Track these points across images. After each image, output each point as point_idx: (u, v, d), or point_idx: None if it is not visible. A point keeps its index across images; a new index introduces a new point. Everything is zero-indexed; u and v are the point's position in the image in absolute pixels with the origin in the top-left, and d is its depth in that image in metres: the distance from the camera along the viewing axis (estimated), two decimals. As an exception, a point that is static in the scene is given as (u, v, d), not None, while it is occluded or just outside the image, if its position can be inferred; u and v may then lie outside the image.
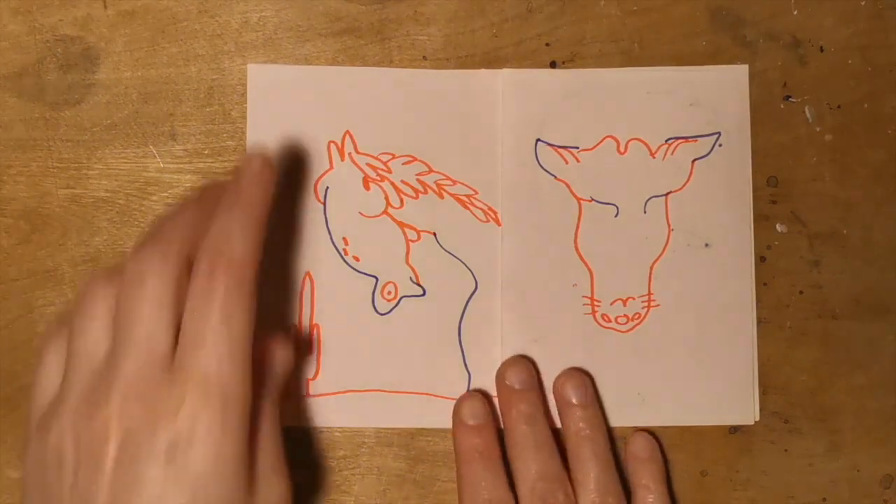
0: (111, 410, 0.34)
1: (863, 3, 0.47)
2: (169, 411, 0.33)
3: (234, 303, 0.35)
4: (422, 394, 0.45)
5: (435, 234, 0.45)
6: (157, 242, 0.36)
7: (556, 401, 0.45)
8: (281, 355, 0.40)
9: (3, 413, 0.44)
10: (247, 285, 0.36)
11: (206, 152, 0.45)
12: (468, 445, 0.43)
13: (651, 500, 0.44)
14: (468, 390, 0.45)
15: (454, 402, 0.45)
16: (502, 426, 0.45)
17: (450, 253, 0.45)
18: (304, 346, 0.45)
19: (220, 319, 0.34)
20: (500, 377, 0.45)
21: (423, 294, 0.45)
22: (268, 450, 0.37)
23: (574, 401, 0.44)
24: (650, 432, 0.45)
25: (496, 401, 0.45)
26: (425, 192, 0.45)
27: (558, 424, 0.45)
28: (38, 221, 0.45)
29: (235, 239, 0.36)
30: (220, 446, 0.34)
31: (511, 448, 0.44)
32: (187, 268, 0.36)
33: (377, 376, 0.45)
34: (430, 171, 0.45)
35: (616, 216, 0.46)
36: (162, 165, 0.45)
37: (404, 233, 0.45)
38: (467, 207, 0.46)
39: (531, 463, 0.43)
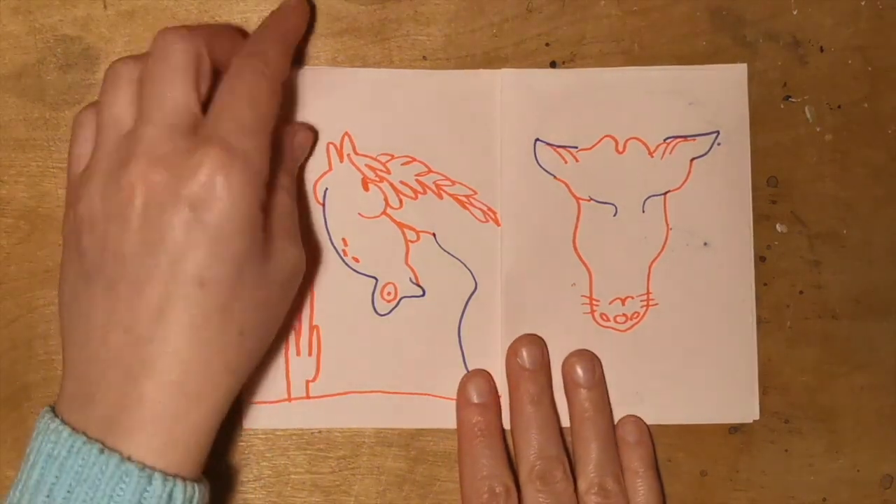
0: (136, 170, 0.37)
1: (863, 3, 0.47)
2: (190, 171, 0.36)
3: (262, 89, 0.38)
4: (422, 394, 0.45)
5: (434, 235, 0.45)
6: (184, 27, 0.39)
7: (564, 380, 0.45)
8: (302, 135, 0.44)
9: (3, 413, 0.44)
10: (276, 83, 0.39)
11: (205, 152, 0.45)
12: (471, 423, 0.44)
13: (640, 483, 0.44)
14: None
15: (454, 402, 0.45)
16: (508, 401, 0.45)
17: (449, 253, 0.45)
18: (303, 348, 0.45)
19: (248, 98, 0.38)
20: (511, 353, 0.45)
21: (423, 294, 0.45)
22: (283, 219, 0.40)
23: (581, 381, 0.45)
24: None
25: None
26: (424, 193, 0.45)
27: (564, 402, 0.45)
28: (38, 221, 0.45)
29: (270, 48, 0.40)
30: (236, 205, 0.36)
31: (515, 426, 0.44)
32: (209, 62, 0.39)
33: (377, 377, 0.45)
34: (430, 171, 0.45)
35: (615, 215, 0.46)
36: (162, 165, 0.45)
37: (403, 233, 0.45)
38: (466, 207, 0.45)
39: (533, 442, 0.44)
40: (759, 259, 0.46)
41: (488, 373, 0.45)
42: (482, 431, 0.44)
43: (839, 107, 0.47)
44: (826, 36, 0.47)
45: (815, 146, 0.47)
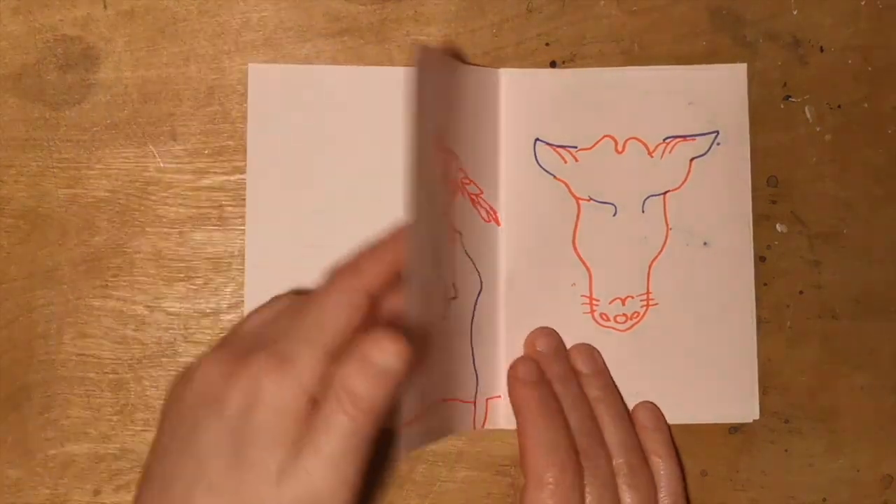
0: (200, 369, 0.37)
1: (863, 3, 0.47)
2: (239, 375, 0.35)
3: (332, 299, 0.37)
4: (449, 400, 0.43)
5: (461, 234, 0.44)
6: (354, 271, 0.38)
7: None
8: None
9: (3, 413, 0.44)
10: (355, 299, 0.37)
11: (206, 152, 0.45)
12: (527, 397, 0.43)
13: (662, 466, 0.44)
14: (477, 393, 0.45)
15: (463, 405, 0.44)
16: None
17: (467, 254, 0.45)
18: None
19: (317, 305, 0.37)
20: (529, 345, 0.45)
21: (455, 297, 0.44)
22: (325, 439, 0.34)
23: (585, 370, 0.45)
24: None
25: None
26: (459, 191, 0.44)
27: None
28: (38, 221, 0.45)
29: (365, 261, 0.38)
30: (264, 412, 0.34)
31: None
32: (364, 307, 0.37)
33: (435, 387, 0.42)
34: (460, 169, 0.44)
35: (614, 215, 0.46)
36: (162, 165, 0.45)
37: (452, 233, 0.43)
38: (475, 207, 0.45)
39: (570, 419, 0.43)
40: (759, 259, 0.46)
41: (532, 359, 0.45)
42: (540, 403, 0.43)
43: (839, 107, 0.47)
44: (826, 36, 0.47)
45: (815, 146, 0.47)
